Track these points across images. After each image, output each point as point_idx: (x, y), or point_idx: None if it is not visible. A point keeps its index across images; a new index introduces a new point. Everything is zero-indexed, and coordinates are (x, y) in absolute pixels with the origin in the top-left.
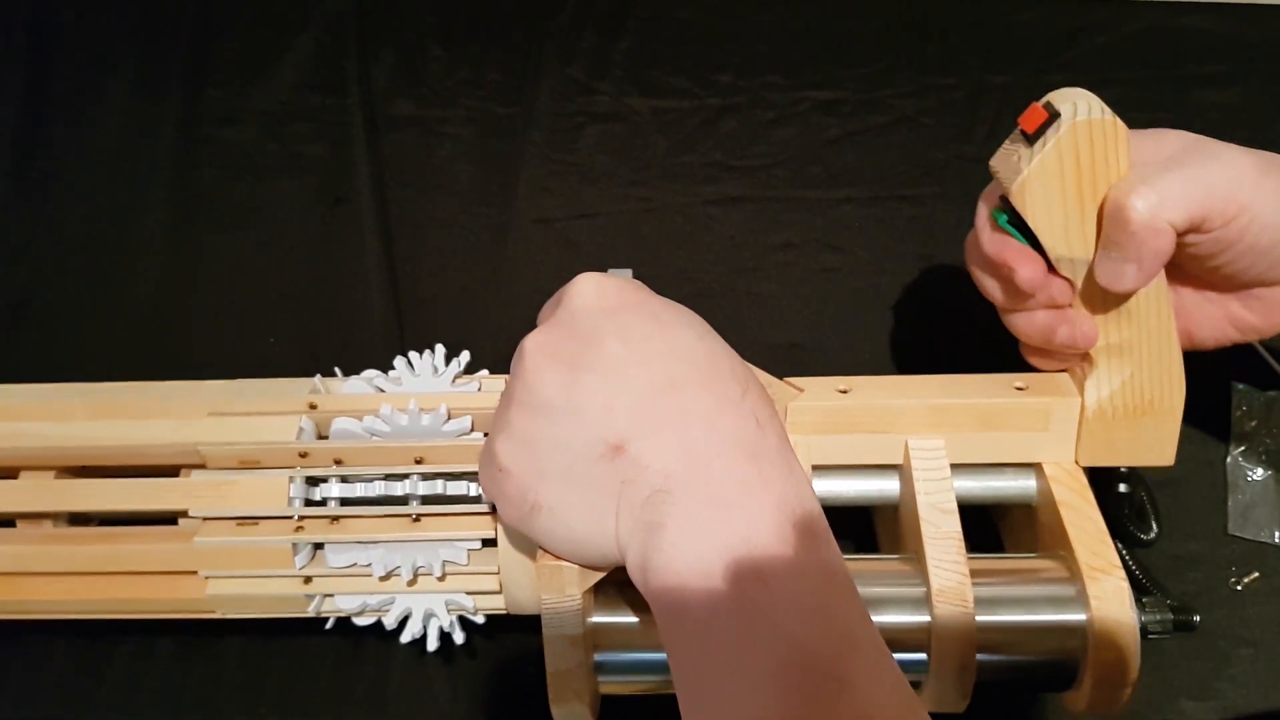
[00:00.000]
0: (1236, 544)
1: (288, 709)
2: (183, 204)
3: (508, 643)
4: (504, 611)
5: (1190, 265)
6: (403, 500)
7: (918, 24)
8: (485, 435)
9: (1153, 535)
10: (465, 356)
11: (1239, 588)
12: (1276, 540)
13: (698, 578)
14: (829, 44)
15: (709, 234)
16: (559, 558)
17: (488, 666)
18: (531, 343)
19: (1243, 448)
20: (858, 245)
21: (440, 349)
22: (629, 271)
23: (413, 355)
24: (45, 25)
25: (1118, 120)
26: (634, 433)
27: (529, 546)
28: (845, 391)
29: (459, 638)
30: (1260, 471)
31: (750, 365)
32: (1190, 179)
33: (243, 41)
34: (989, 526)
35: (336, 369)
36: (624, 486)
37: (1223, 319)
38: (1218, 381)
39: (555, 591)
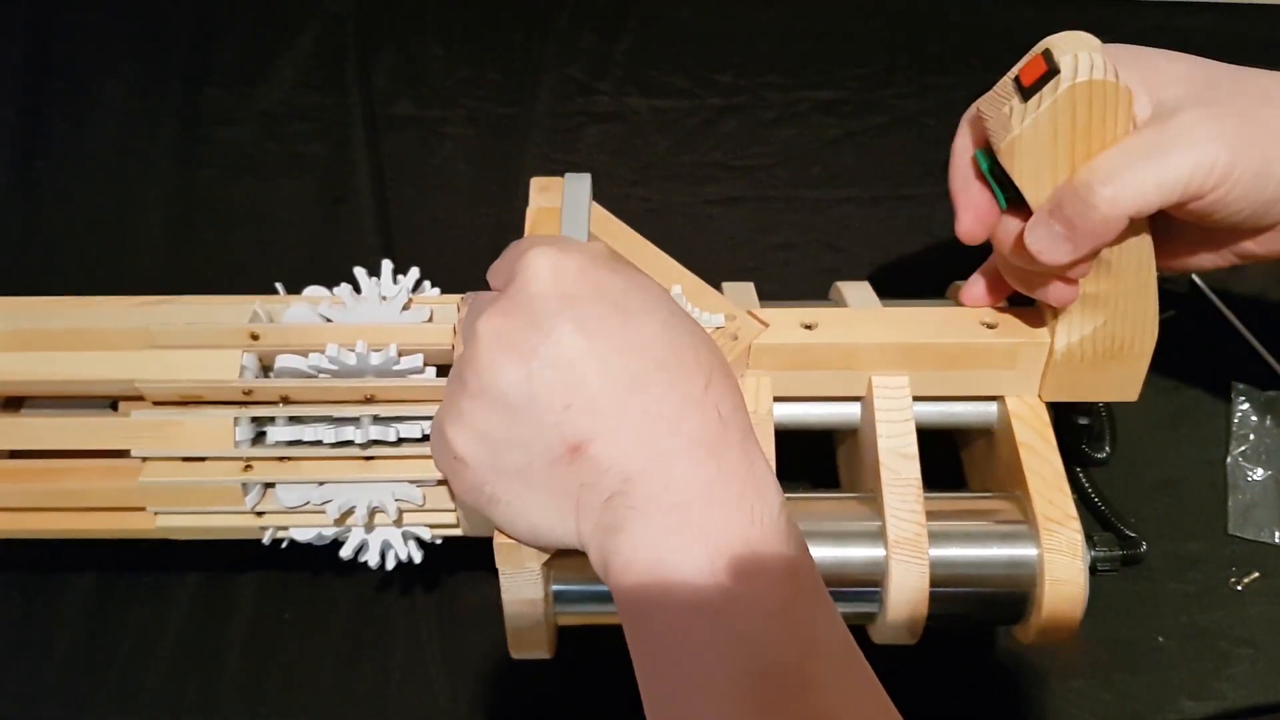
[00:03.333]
0: (1236, 544)
1: (288, 709)
2: (183, 204)
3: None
4: (461, 534)
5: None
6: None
7: (918, 24)
8: (436, 373)
9: (1105, 455)
10: (415, 273)
11: (1239, 588)
12: (1276, 540)
13: (657, 582)
14: (829, 44)
15: (709, 234)
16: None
17: (488, 667)
18: (485, 326)
19: (1243, 448)
20: (858, 245)
21: (387, 266)
22: (588, 179)
23: (359, 274)
24: (45, 25)
25: (1119, 84)
26: (592, 433)
27: None
28: (810, 327)
29: (417, 558)
30: (1260, 471)
31: (720, 295)
32: (1167, 168)
33: (243, 41)
34: (951, 450)
35: (279, 285)
36: (583, 489)
37: (1221, 248)
38: (1218, 381)
39: (513, 566)
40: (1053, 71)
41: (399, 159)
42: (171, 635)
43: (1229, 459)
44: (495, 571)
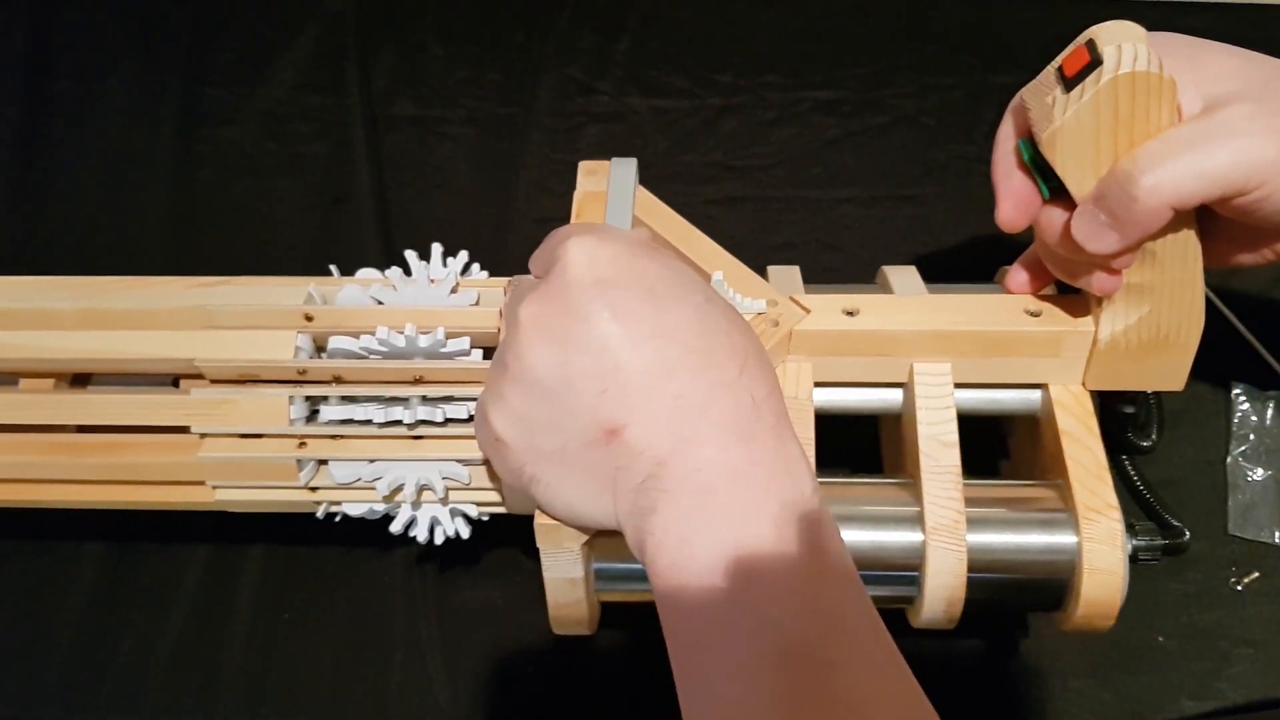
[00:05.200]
0: (1236, 544)
1: (288, 709)
2: (183, 204)
3: (507, 640)
4: (506, 512)
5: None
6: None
7: (918, 24)
8: (483, 356)
9: (1151, 443)
10: (463, 256)
11: (1239, 588)
12: (1276, 540)
13: (688, 564)
14: (829, 44)
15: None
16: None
17: (488, 667)
18: (525, 314)
19: (1243, 448)
20: (858, 245)
21: (437, 249)
22: (633, 163)
23: (409, 256)
24: (45, 25)
25: (1163, 75)
26: (627, 418)
27: None
28: (852, 313)
29: (465, 534)
30: (1260, 471)
31: (762, 281)
32: (1210, 161)
33: (243, 41)
34: (991, 436)
35: (333, 268)
36: (619, 472)
37: (1261, 247)
38: (1218, 381)
39: (553, 546)
40: (1095, 62)
41: (399, 159)
42: (171, 635)
43: (1229, 459)
44: (495, 572)
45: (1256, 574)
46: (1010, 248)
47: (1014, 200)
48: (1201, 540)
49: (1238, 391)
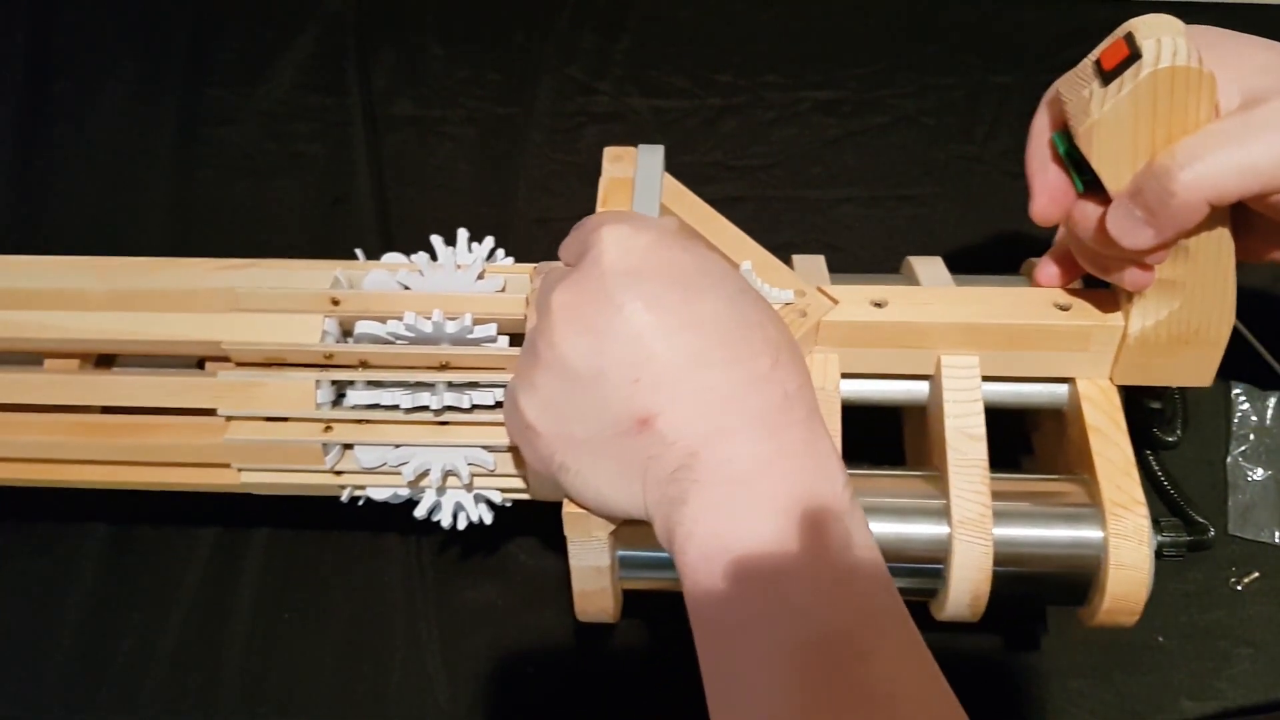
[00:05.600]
0: (1236, 544)
1: (288, 709)
2: (183, 204)
3: (507, 640)
4: (529, 498)
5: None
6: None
7: (918, 24)
8: (509, 342)
9: (1175, 439)
10: (489, 242)
11: (1239, 588)
12: (1276, 540)
13: (718, 554)
14: (829, 44)
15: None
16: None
17: (488, 667)
18: (558, 301)
19: (1243, 448)
20: (858, 245)
21: (463, 234)
22: (660, 151)
23: (436, 241)
24: (45, 25)
25: (1203, 70)
26: (659, 408)
27: None
28: (880, 304)
29: (488, 520)
30: (1260, 471)
31: (790, 271)
32: (1249, 156)
33: (243, 41)
34: (1016, 429)
35: (359, 252)
36: (649, 462)
37: None
38: (1218, 381)
39: (581, 534)
40: (1134, 56)
41: (399, 159)
42: (171, 635)
43: (1229, 459)
44: (495, 572)
45: (1256, 574)
46: (1011, 247)
47: (1049, 194)
48: None
49: (1238, 391)
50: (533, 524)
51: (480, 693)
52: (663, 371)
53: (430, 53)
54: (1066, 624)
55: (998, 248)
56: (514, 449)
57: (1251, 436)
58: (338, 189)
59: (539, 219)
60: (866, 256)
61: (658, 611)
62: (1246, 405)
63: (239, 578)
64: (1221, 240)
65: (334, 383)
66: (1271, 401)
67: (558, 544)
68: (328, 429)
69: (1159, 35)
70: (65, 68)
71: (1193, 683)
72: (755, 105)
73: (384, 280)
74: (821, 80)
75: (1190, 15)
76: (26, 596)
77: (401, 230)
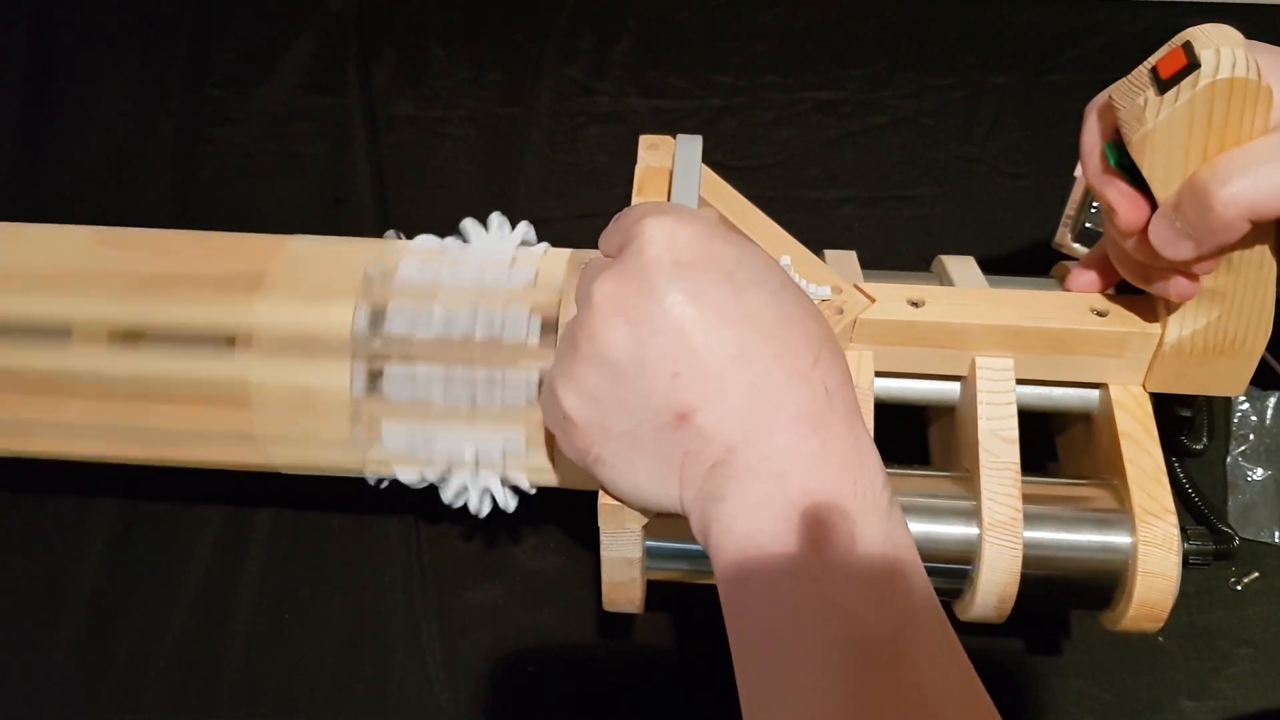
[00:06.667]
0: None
1: (288, 709)
2: (183, 204)
3: (507, 640)
4: (558, 485)
5: None
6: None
7: (918, 24)
8: (541, 331)
9: (1202, 447)
10: (524, 227)
11: (1239, 588)
12: (1276, 540)
13: (755, 551)
14: (829, 44)
15: None
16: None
17: (488, 667)
18: (600, 293)
19: (1243, 448)
20: (858, 245)
21: (495, 218)
22: (699, 141)
23: (469, 225)
24: (45, 25)
25: (1261, 83)
26: (699, 403)
27: None
28: (918, 304)
29: (512, 506)
30: (1260, 471)
31: (827, 267)
32: None
33: (243, 41)
34: (1043, 431)
35: (392, 232)
36: (687, 456)
37: None
38: None
39: (615, 526)
40: (1193, 65)
41: (399, 159)
42: (172, 635)
43: (1229, 459)
44: (495, 572)
45: (1256, 574)
46: (1010, 247)
47: (1129, 201)
48: None
49: None
50: (533, 524)
51: (480, 693)
52: (704, 366)
53: (431, 53)
54: (1067, 624)
55: (997, 248)
56: (548, 436)
57: (1251, 436)
58: (338, 189)
59: (539, 219)
60: (866, 257)
61: (659, 611)
62: (1246, 405)
63: (240, 577)
64: (1265, 253)
65: (365, 367)
66: (1271, 401)
67: (558, 544)
68: (357, 412)
69: (1218, 45)
70: (65, 68)
71: (1193, 683)
72: (755, 105)
73: (417, 265)
74: (821, 80)
75: (1190, 15)
76: (26, 596)
77: (401, 230)
